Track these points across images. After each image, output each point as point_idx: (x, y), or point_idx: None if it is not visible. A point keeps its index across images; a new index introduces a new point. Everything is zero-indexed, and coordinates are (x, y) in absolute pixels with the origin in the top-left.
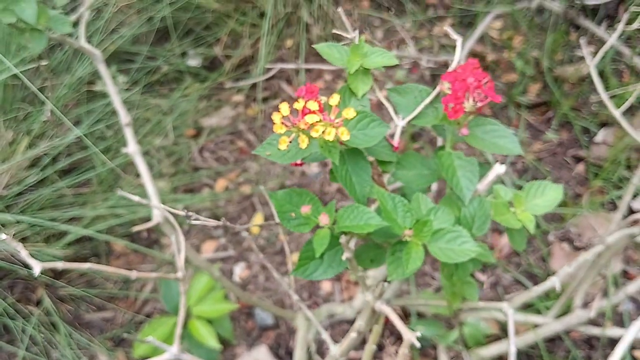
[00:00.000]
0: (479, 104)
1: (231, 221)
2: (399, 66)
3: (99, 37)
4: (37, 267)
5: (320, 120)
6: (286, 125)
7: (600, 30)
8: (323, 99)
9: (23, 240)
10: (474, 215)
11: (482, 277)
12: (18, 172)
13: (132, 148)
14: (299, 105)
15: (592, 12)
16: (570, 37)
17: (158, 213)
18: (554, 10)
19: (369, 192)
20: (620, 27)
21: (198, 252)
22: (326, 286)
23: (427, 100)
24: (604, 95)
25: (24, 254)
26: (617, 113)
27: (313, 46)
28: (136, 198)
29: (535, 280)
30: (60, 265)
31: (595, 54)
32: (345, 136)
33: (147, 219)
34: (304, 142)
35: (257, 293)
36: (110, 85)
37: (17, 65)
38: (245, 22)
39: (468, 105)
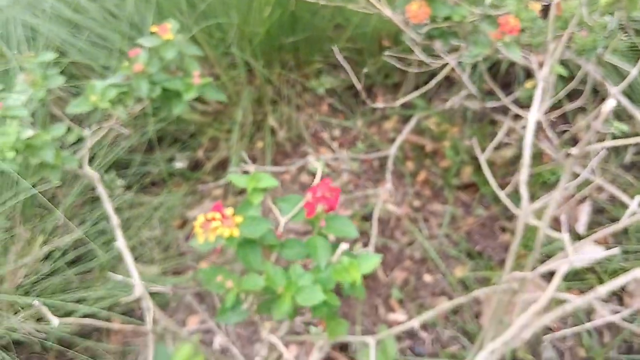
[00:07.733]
0: (327, 208)
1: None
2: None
3: (103, 151)
4: (55, 320)
5: (220, 225)
6: (202, 228)
7: (509, 122)
8: (229, 209)
9: (39, 320)
10: (328, 277)
11: (424, 334)
12: (34, 264)
13: (120, 243)
14: (209, 216)
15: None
16: (497, 127)
17: (139, 289)
18: (473, 108)
19: (260, 265)
20: (505, 124)
21: (183, 326)
22: (292, 349)
23: (299, 205)
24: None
25: (54, 323)
26: (501, 194)
27: (229, 178)
28: (119, 277)
29: (469, 336)
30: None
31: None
32: (235, 232)
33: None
34: (211, 237)
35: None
36: (106, 199)
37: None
38: (222, 130)
39: (319, 208)
